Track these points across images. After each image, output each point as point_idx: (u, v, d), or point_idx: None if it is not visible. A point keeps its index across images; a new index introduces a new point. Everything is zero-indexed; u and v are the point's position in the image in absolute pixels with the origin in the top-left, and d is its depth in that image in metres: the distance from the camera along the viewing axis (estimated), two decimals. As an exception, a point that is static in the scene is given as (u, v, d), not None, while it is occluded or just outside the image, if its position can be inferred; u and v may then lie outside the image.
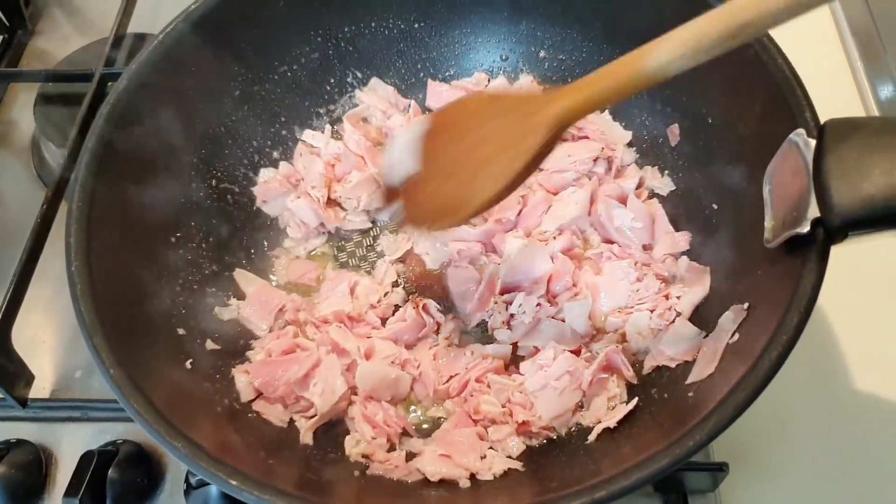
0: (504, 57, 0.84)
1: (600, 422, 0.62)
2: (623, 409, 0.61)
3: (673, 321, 0.66)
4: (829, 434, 0.71)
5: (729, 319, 0.59)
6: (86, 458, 0.66)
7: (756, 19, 0.42)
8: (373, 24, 0.81)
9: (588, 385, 0.63)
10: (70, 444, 0.71)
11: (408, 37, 0.83)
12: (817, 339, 0.76)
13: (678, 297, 0.67)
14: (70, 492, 0.63)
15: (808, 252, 0.51)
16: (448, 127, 0.56)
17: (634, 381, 0.65)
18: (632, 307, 0.68)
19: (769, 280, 0.56)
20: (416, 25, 0.82)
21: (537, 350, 0.68)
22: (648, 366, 0.65)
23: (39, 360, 0.75)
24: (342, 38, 0.81)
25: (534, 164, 0.51)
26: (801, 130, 0.53)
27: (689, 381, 0.59)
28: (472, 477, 0.59)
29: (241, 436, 0.59)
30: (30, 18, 1.05)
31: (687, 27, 0.44)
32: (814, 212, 0.49)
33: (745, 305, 0.58)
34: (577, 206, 0.73)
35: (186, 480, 0.65)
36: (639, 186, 0.76)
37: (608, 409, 0.63)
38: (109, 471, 0.65)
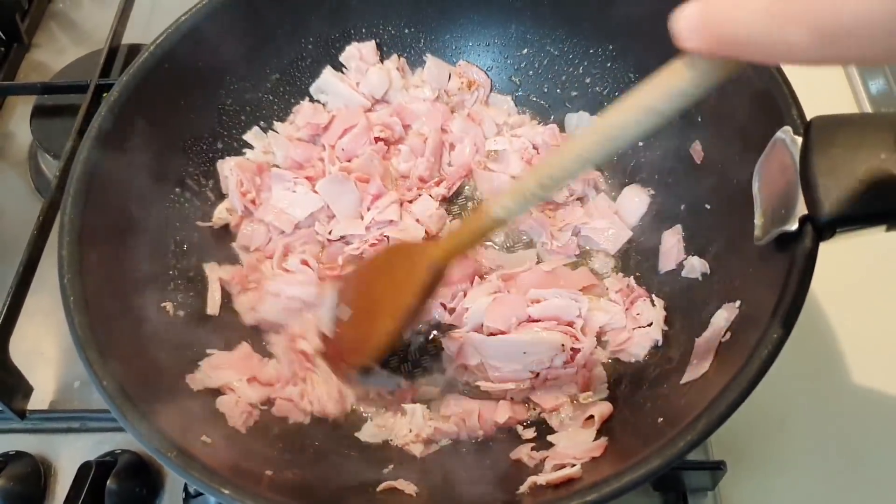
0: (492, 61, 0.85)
1: None
2: None
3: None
4: (828, 431, 0.71)
5: (721, 318, 0.59)
6: (84, 468, 0.66)
7: (551, 181, 0.50)
8: (363, 30, 0.82)
9: None
10: (69, 456, 0.71)
11: (398, 42, 0.83)
12: (815, 335, 0.76)
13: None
14: (68, 503, 0.64)
15: (797, 249, 0.50)
16: (365, 278, 0.66)
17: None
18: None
19: (760, 278, 0.55)
20: (407, 31, 0.83)
21: None
22: (550, 465, 0.58)
23: (37, 372, 0.75)
24: (332, 45, 0.81)
25: (421, 300, 0.60)
26: (788, 128, 0.52)
27: (683, 381, 0.59)
28: None
29: (239, 446, 0.59)
30: (26, 31, 1.06)
31: (515, 184, 0.58)
32: (802, 209, 0.49)
33: (738, 304, 0.58)
34: None
35: (185, 490, 0.66)
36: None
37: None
38: (108, 481, 0.65)
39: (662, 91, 0.40)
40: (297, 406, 0.65)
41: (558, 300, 0.68)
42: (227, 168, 0.75)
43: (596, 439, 0.60)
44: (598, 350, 0.69)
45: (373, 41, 0.82)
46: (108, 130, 0.64)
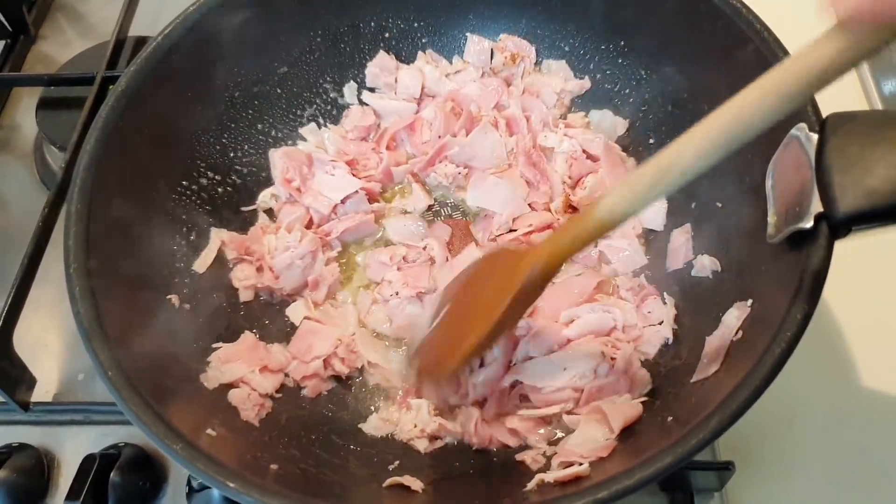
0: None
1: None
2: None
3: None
4: (836, 433, 0.70)
5: (733, 316, 0.58)
6: (87, 461, 0.65)
7: (675, 175, 0.44)
8: (371, 24, 0.81)
9: None
10: (72, 448, 0.71)
11: (407, 36, 0.83)
12: (825, 336, 0.75)
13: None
14: (72, 496, 0.63)
15: (812, 247, 0.50)
16: (465, 284, 0.61)
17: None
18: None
19: (773, 276, 0.55)
20: (416, 24, 0.82)
21: None
22: (556, 463, 0.58)
23: (41, 364, 0.75)
24: (340, 39, 0.81)
25: (511, 310, 0.54)
26: (803, 125, 0.52)
27: (693, 379, 0.59)
28: None
29: (244, 439, 0.59)
30: (32, 23, 1.05)
31: (624, 181, 0.48)
32: (817, 206, 0.49)
33: (749, 302, 0.57)
34: None
35: (189, 483, 0.65)
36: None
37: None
38: (111, 474, 0.65)
39: (804, 69, 0.34)
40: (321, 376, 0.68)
41: (591, 315, 0.67)
42: (277, 156, 0.78)
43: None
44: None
45: (381, 51, 0.82)
46: (114, 122, 0.64)
